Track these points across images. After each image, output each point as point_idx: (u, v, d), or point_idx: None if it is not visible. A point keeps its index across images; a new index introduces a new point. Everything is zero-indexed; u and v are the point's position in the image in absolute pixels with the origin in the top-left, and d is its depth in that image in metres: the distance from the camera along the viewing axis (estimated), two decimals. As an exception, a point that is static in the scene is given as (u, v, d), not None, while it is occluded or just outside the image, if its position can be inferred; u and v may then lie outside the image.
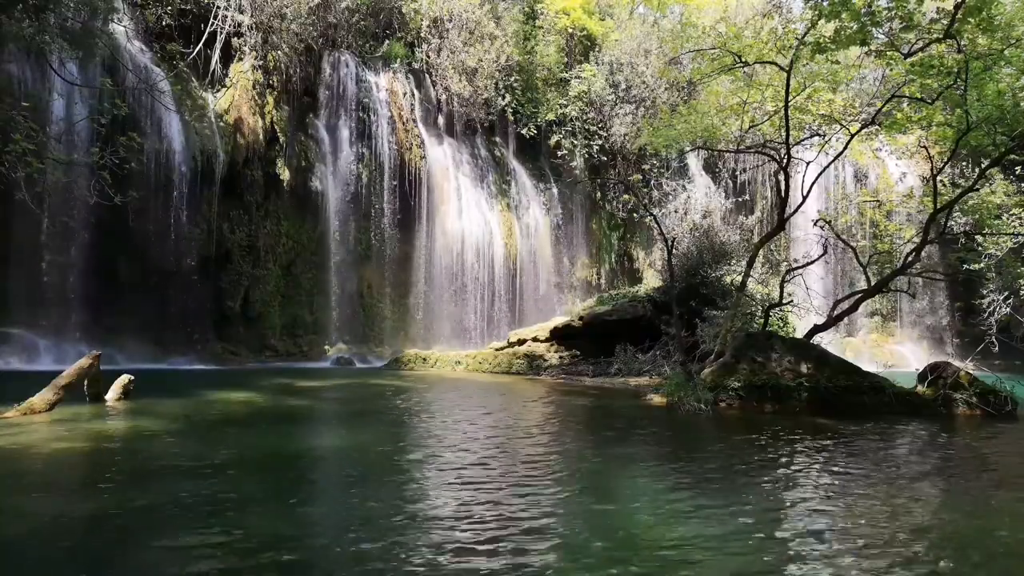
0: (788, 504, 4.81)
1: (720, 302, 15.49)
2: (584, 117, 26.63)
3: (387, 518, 4.24)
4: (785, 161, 12.76)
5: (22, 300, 15.92)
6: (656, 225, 14.94)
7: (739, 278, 14.17)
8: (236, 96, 19.81)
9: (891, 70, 13.34)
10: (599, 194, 27.87)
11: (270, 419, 8.70)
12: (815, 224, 15.02)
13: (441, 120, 24.95)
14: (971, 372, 10.71)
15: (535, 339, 18.42)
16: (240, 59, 20.18)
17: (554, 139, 26.59)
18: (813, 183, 13.28)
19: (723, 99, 14.79)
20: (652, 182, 25.85)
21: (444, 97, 24.64)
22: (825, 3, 10.46)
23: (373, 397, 11.55)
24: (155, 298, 17.62)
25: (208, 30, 19.34)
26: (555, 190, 26.95)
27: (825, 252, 14.14)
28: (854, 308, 13.83)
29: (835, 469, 6.06)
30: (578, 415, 9.90)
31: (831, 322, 12.79)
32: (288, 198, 20.85)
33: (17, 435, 6.57)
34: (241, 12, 19.95)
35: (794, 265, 15.11)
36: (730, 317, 12.74)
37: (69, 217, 16.18)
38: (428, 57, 24.37)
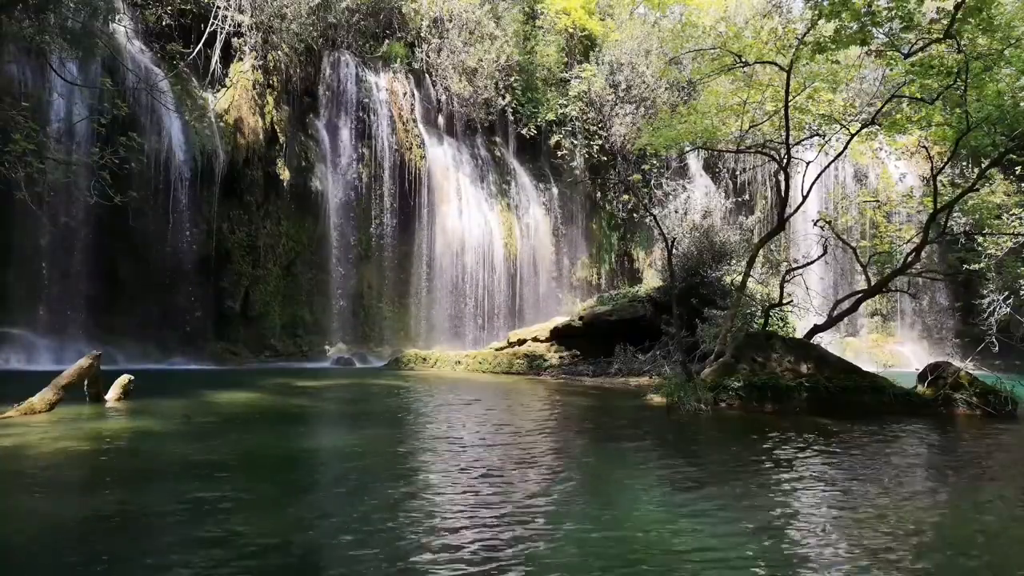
0: (788, 504, 4.81)
1: (720, 302, 15.50)
2: (584, 117, 26.63)
3: (386, 519, 4.23)
4: (785, 161, 12.77)
5: (22, 300, 15.91)
6: (656, 225, 14.95)
7: (739, 278, 14.18)
8: (236, 96, 19.80)
9: (891, 70, 13.36)
10: (599, 194, 27.88)
11: (270, 419, 8.69)
12: (815, 224, 15.04)
13: (441, 120, 24.95)
14: (971, 372, 10.72)
15: (535, 339, 18.43)
16: (240, 59, 20.18)
17: (554, 139, 26.59)
18: (813, 183, 13.30)
19: (723, 99, 14.79)
20: (652, 182, 25.85)
21: (444, 97, 24.64)
22: (825, 3, 10.47)
23: (373, 397, 11.55)
24: (155, 298, 17.61)
25: (208, 30, 19.33)
26: (555, 190, 26.95)
27: (825, 252, 14.15)
28: (854, 308, 13.85)
29: (835, 469, 6.06)
30: (578, 415, 9.90)
31: (831, 322, 12.80)
32: (288, 198, 20.85)
33: (17, 435, 6.57)
34: (241, 12, 19.94)
35: (794, 265, 15.12)
36: (730, 317, 12.74)
37: (69, 217, 16.19)
38: (428, 57, 24.37)
